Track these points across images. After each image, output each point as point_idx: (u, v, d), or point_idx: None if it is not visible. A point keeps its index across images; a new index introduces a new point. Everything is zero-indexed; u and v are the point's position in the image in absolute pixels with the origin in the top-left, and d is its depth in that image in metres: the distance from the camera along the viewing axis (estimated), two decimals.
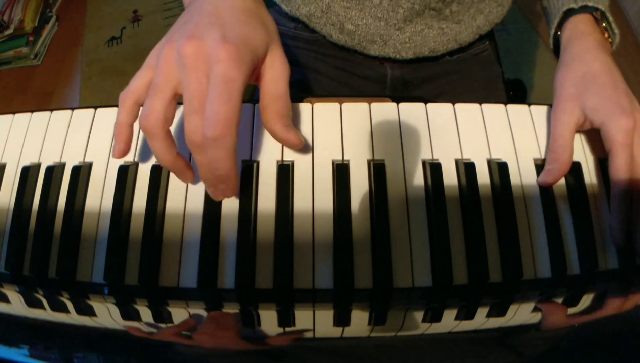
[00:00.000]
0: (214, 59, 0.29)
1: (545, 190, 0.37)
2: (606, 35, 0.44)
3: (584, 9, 0.44)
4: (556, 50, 0.48)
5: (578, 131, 0.40)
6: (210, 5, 0.32)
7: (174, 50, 0.30)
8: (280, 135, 0.34)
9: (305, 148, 0.38)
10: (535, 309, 0.31)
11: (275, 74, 0.34)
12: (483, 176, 0.38)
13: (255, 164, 0.37)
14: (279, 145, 0.38)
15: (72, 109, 0.41)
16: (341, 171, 0.37)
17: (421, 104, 0.40)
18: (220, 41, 0.29)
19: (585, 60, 0.40)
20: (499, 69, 0.67)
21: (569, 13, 0.45)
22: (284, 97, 0.34)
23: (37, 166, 0.39)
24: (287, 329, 0.29)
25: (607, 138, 0.37)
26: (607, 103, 0.37)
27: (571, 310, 0.30)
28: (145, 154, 0.38)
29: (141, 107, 0.33)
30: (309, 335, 0.27)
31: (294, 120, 0.39)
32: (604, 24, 0.44)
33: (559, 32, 0.47)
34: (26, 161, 0.40)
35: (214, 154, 0.29)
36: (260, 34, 0.33)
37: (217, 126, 0.28)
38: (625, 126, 0.36)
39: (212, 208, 0.36)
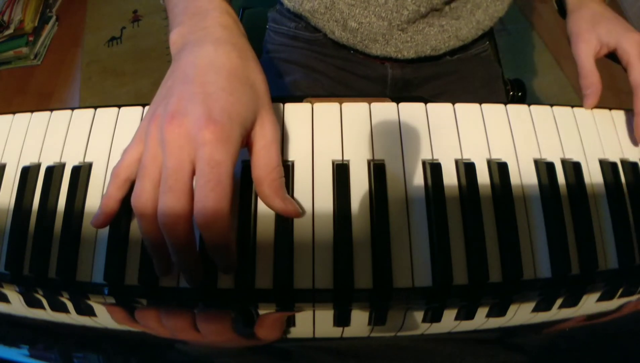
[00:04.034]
0: (199, 141, 0.28)
1: (545, 190, 0.37)
2: None
3: None
4: (559, 7, 0.55)
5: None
6: (194, 69, 0.30)
7: (158, 128, 0.29)
8: (279, 209, 0.33)
9: (305, 148, 0.38)
10: (536, 309, 0.31)
11: (267, 142, 0.32)
12: (483, 176, 0.38)
13: None
14: None
15: (72, 109, 0.41)
16: (341, 171, 0.37)
17: (421, 104, 0.40)
18: (205, 120, 0.28)
19: (590, 6, 0.48)
20: (499, 69, 0.67)
21: None
22: (278, 167, 0.32)
23: (37, 166, 0.39)
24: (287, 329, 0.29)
25: (623, 53, 0.43)
26: (618, 27, 0.44)
27: (571, 311, 0.30)
28: None
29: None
30: (308, 335, 0.27)
31: (294, 120, 0.39)
32: None
33: None
34: (26, 161, 0.40)
35: (207, 237, 0.29)
36: (248, 101, 0.31)
37: (206, 215, 0.28)
38: (638, 40, 0.42)
39: None
